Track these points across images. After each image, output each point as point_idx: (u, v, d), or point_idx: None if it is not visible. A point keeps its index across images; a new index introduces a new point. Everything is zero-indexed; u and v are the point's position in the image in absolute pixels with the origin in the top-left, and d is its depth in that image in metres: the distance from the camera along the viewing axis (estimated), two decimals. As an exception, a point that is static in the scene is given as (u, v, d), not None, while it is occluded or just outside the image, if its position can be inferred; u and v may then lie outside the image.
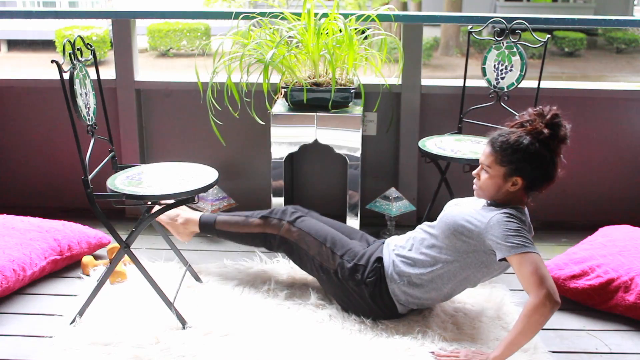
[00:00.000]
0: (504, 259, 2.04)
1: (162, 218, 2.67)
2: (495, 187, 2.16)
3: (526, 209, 2.23)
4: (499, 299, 2.52)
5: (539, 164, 2.11)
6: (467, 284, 2.28)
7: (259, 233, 2.55)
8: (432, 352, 2.13)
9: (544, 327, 2.36)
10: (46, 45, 14.12)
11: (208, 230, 2.67)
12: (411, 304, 2.31)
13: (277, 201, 3.03)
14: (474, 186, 2.24)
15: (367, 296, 2.29)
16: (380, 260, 2.31)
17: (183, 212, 2.70)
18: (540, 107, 2.19)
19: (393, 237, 2.45)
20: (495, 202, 2.21)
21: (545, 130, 2.10)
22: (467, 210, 2.22)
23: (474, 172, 2.24)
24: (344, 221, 2.99)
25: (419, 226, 2.38)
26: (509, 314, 2.42)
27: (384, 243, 2.43)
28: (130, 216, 3.46)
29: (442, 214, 2.29)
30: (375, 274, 2.28)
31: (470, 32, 3.15)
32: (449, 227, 2.19)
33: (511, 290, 2.62)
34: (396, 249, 2.33)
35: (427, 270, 2.23)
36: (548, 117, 2.12)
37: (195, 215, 2.69)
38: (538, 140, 2.10)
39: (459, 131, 3.19)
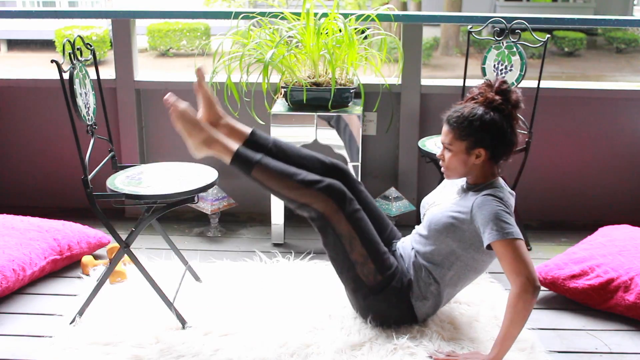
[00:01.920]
0: (490, 247, 2.04)
1: (185, 114, 2.19)
2: (461, 164, 2.16)
3: (501, 180, 2.21)
4: (495, 299, 2.52)
5: (497, 131, 2.11)
6: (476, 274, 2.28)
7: (302, 203, 2.20)
8: (430, 356, 2.12)
9: (544, 327, 2.38)
10: (46, 45, 14.11)
11: (243, 167, 2.21)
12: (427, 315, 2.31)
13: (277, 202, 3.02)
14: (442, 169, 2.24)
15: (394, 317, 2.27)
16: (410, 283, 2.25)
17: (214, 132, 2.23)
18: (487, 79, 2.21)
19: (402, 243, 2.38)
20: (469, 185, 2.21)
21: (497, 97, 2.12)
22: (446, 205, 2.22)
23: (438, 154, 2.24)
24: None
25: (415, 241, 2.32)
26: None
27: (395, 250, 2.37)
28: (130, 216, 3.46)
29: (425, 220, 2.27)
30: (407, 298, 2.25)
31: (470, 32, 3.15)
32: (440, 232, 2.18)
33: (507, 289, 2.61)
34: (413, 265, 2.27)
35: (441, 280, 2.23)
36: (496, 85, 2.15)
37: (232, 144, 2.23)
38: (492, 108, 2.12)
39: (459, 131, 3.18)
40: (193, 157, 2.28)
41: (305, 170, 2.23)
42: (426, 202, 2.37)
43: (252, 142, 2.33)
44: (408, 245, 2.34)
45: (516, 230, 2.02)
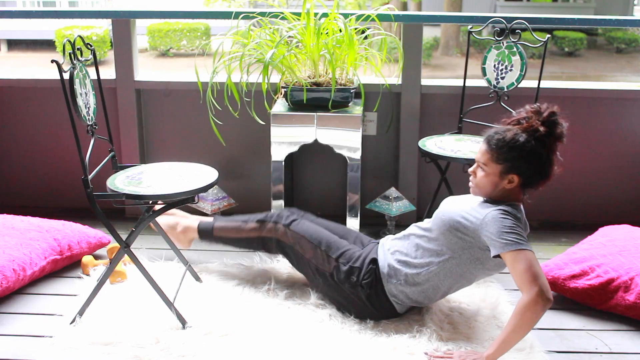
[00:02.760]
0: (498, 256, 2.05)
1: (162, 224, 2.68)
2: (491, 185, 2.17)
3: (522, 206, 2.23)
4: (494, 299, 2.52)
5: (535, 162, 2.11)
6: (464, 282, 2.28)
7: (256, 237, 2.57)
8: (426, 353, 2.13)
9: (544, 327, 2.38)
10: (46, 45, 14.12)
11: (207, 237, 2.68)
12: (409, 302, 2.31)
13: (277, 202, 3.03)
14: (470, 184, 2.25)
15: (364, 298, 2.29)
16: (375, 261, 2.31)
17: (182, 220, 2.71)
18: (538, 104, 2.18)
19: (387, 237, 2.45)
20: (492, 199, 2.20)
21: (542, 128, 2.10)
22: (463, 206, 2.22)
23: (470, 169, 2.25)
24: (344, 221, 2.99)
25: (413, 225, 2.38)
26: (504, 314, 2.42)
27: (378, 243, 2.43)
28: (130, 216, 3.46)
29: (438, 210, 2.29)
30: (371, 275, 2.28)
31: (470, 32, 3.15)
32: (444, 224, 2.19)
33: (506, 289, 2.62)
34: (391, 249, 2.33)
35: (424, 269, 2.23)
36: (545, 114, 2.13)
37: (194, 223, 2.69)
38: (534, 138, 2.10)
39: (459, 131, 3.19)
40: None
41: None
42: (449, 199, 2.38)
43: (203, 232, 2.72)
44: (398, 235, 2.38)
45: (527, 243, 2.04)
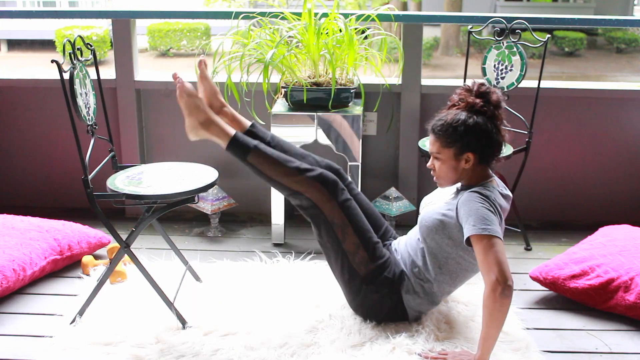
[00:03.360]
0: (468, 242, 2.03)
1: (187, 98, 2.24)
2: (451, 171, 2.17)
3: (495, 181, 2.21)
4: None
5: (482, 134, 2.13)
6: (468, 276, 2.28)
7: (295, 191, 2.22)
8: (419, 354, 2.12)
9: (543, 327, 2.38)
10: (46, 45, 14.11)
11: (239, 153, 2.23)
12: (420, 313, 2.31)
13: (277, 202, 3.03)
14: (435, 179, 2.25)
15: (385, 311, 2.28)
16: (403, 274, 2.26)
17: (213, 115, 2.25)
18: (465, 84, 2.23)
19: (399, 243, 2.39)
20: (463, 186, 2.21)
21: (477, 101, 2.14)
22: (439, 204, 2.23)
23: (428, 164, 2.25)
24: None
25: (412, 231, 2.35)
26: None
27: (390, 245, 2.40)
28: (130, 216, 3.46)
29: (419, 218, 2.28)
30: (398, 290, 2.25)
31: (470, 32, 3.15)
32: (429, 228, 2.19)
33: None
34: (406, 260, 2.28)
35: (434, 278, 2.23)
36: (475, 89, 2.17)
37: (229, 129, 2.25)
38: (474, 112, 2.14)
39: (459, 131, 3.19)
40: (187, 141, 2.31)
41: (299, 160, 2.28)
42: (424, 202, 2.38)
43: (251, 133, 2.38)
44: (403, 243, 2.35)
45: (494, 229, 2.00)
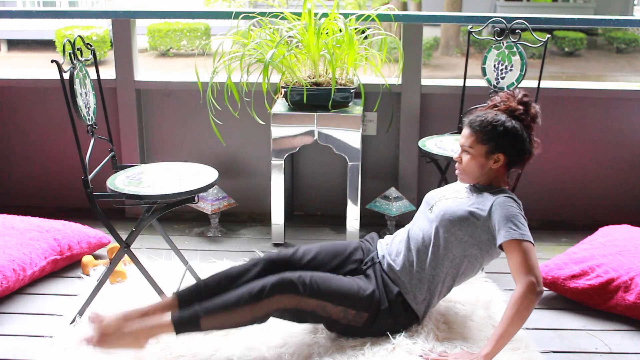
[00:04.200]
0: (501, 245, 2.08)
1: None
2: (478, 167, 2.21)
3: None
4: (488, 298, 2.52)
5: (518, 139, 2.19)
6: (472, 274, 2.29)
7: (264, 315, 2.10)
8: (421, 355, 2.12)
9: (544, 327, 2.38)
10: (46, 45, 14.10)
11: (190, 329, 2.07)
12: (430, 306, 2.30)
13: (277, 201, 3.02)
14: (457, 171, 2.27)
15: (401, 327, 2.25)
16: (400, 294, 2.23)
17: (151, 319, 2.07)
18: (511, 89, 2.30)
19: (390, 244, 2.34)
20: (482, 185, 2.24)
21: (519, 107, 2.21)
22: (464, 200, 2.23)
23: (455, 156, 2.28)
24: (344, 221, 2.99)
25: (399, 239, 2.31)
26: (499, 313, 2.40)
27: (375, 263, 2.31)
28: (130, 216, 3.46)
29: (438, 210, 2.23)
30: (400, 308, 2.23)
31: (470, 32, 3.15)
32: (453, 222, 2.18)
33: (502, 290, 2.61)
34: (404, 272, 2.24)
35: (440, 278, 2.22)
36: (519, 96, 2.24)
37: (163, 318, 2.06)
38: (513, 117, 2.21)
39: (459, 131, 3.18)
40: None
41: (244, 286, 2.11)
42: (432, 196, 2.36)
43: (184, 300, 2.15)
44: (397, 241, 2.32)
45: (530, 235, 2.07)
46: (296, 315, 2.16)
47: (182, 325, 2.04)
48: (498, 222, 2.10)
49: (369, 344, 2.19)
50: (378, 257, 2.33)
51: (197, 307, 2.05)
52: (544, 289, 2.03)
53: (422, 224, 2.28)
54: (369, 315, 2.19)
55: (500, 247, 2.09)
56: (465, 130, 2.24)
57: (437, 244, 2.21)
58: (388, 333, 2.21)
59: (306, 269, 2.22)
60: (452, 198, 2.27)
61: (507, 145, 2.19)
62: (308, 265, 2.27)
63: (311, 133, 2.93)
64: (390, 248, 2.32)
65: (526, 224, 2.11)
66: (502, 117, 2.20)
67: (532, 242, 2.06)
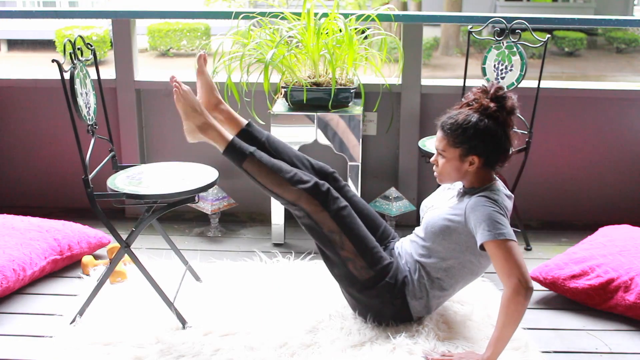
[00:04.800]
0: (482, 247, 2.03)
1: (185, 102, 2.27)
2: (454, 170, 2.16)
3: (498, 183, 2.20)
4: (487, 298, 2.52)
5: (491, 139, 2.10)
6: (473, 277, 2.28)
7: (289, 201, 2.22)
8: (426, 357, 2.12)
9: (543, 327, 2.38)
10: (46, 45, 14.10)
11: (235, 157, 2.26)
12: (425, 313, 2.31)
13: (277, 202, 3.02)
14: (435, 174, 2.23)
15: (389, 314, 2.27)
16: (406, 279, 2.24)
17: (216, 123, 2.28)
18: (483, 84, 2.20)
19: (401, 244, 2.37)
20: (465, 189, 2.20)
21: (492, 105, 2.11)
22: (444, 209, 2.22)
23: (432, 159, 2.24)
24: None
25: (415, 234, 2.34)
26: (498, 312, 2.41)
27: (393, 249, 2.37)
28: (130, 216, 3.46)
29: (423, 222, 2.27)
30: (402, 295, 2.24)
31: (470, 32, 3.15)
32: (436, 234, 2.18)
33: (500, 290, 2.61)
34: (411, 263, 2.27)
35: (441, 281, 2.23)
36: (492, 91, 2.13)
37: (227, 134, 2.27)
38: (486, 116, 2.10)
39: (459, 131, 3.19)
40: (187, 141, 2.32)
41: (295, 169, 2.26)
42: (425, 205, 2.37)
43: (247, 133, 2.41)
44: (407, 245, 2.34)
45: (509, 232, 2.01)
46: (311, 226, 2.23)
47: (233, 149, 2.24)
48: (474, 225, 2.06)
49: (369, 344, 2.19)
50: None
51: (254, 149, 2.25)
52: (533, 287, 1.96)
53: (419, 234, 2.30)
54: (374, 275, 2.19)
55: (482, 248, 2.04)
56: (438, 133, 2.18)
57: (431, 255, 2.22)
58: (388, 334, 2.21)
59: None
60: (437, 207, 2.26)
61: (480, 147, 2.10)
62: (350, 200, 2.38)
63: (311, 133, 2.93)
64: (401, 251, 2.34)
65: (505, 220, 2.04)
66: (474, 117, 2.10)
67: (511, 238, 1.99)
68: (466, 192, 2.20)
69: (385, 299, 2.24)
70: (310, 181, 2.20)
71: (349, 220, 2.22)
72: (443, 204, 2.27)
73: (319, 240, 2.25)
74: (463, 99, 2.21)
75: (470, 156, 2.12)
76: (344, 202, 2.24)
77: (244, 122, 2.43)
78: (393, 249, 2.37)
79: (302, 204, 2.20)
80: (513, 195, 2.25)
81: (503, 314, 1.97)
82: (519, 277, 1.94)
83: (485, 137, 2.10)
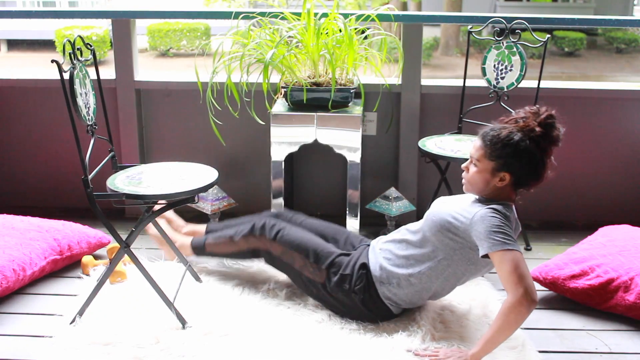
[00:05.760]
0: (486, 256, 2.04)
1: (155, 235, 2.76)
2: (483, 182, 2.16)
3: (514, 206, 2.22)
4: (484, 298, 2.52)
5: (528, 162, 2.11)
6: (456, 282, 2.28)
7: (247, 250, 2.58)
8: (417, 354, 2.12)
9: (543, 327, 2.38)
10: (46, 45, 14.10)
11: (200, 253, 2.71)
12: (403, 304, 2.31)
13: (277, 201, 3.03)
14: (463, 180, 2.24)
15: (359, 303, 2.29)
16: (365, 266, 2.29)
17: (180, 238, 2.76)
18: (537, 106, 2.18)
19: (378, 239, 2.43)
20: (483, 198, 2.20)
21: (537, 129, 2.10)
22: (453, 206, 2.22)
23: (463, 165, 2.24)
24: (344, 221, 2.99)
25: (404, 228, 2.37)
26: (495, 312, 2.41)
27: (369, 245, 2.42)
28: (130, 216, 3.46)
29: (429, 211, 2.28)
30: (362, 280, 2.27)
31: (470, 32, 3.15)
32: (435, 224, 2.19)
33: (499, 290, 2.61)
34: (383, 252, 2.32)
35: (416, 270, 2.23)
36: (542, 116, 2.13)
37: (187, 241, 2.74)
38: (529, 138, 2.10)
39: (459, 131, 3.19)
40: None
41: (243, 225, 2.62)
42: (440, 199, 2.37)
43: (207, 231, 2.80)
44: (390, 237, 2.37)
45: (517, 245, 2.04)
46: (270, 259, 2.53)
47: (195, 247, 2.71)
48: (480, 233, 2.06)
49: (368, 344, 2.19)
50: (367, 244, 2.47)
51: (207, 236, 2.71)
52: (537, 301, 1.97)
53: (408, 230, 2.33)
54: (327, 273, 2.31)
55: (486, 256, 2.05)
56: (477, 142, 2.17)
57: (421, 243, 2.23)
58: (387, 334, 2.21)
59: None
60: (449, 204, 2.27)
61: (515, 166, 2.10)
62: (299, 224, 2.64)
63: (311, 133, 2.93)
64: (384, 245, 2.37)
65: (513, 233, 2.07)
66: (517, 136, 2.09)
67: (519, 249, 2.02)
68: (482, 201, 2.20)
69: (346, 290, 2.28)
70: (246, 227, 2.56)
71: (289, 237, 2.46)
72: (456, 202, 2.26)
73: (280, 266, 2.52)
74: (513, 113, 2.20)
75: (503, 172, 2.12)
76: (281, 225, 2.50)
77: (203, 229, 2.81)
78: (368, 245, 2.44)
79: (254, 245, 2.54)
80: (520, 229, 2.26)
81: (501, 320, 1.98)
82: (526, 288, 1.95)
83: (523, 158, 2.10)
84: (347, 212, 3.01)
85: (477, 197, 2.23)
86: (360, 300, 2.28)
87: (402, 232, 2.35)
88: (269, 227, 2.50)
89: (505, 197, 2.18)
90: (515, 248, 2.01)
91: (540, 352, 2.22)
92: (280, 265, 2.50)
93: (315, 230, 2.57)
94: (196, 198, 2.36)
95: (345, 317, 2.36)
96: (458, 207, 2.20)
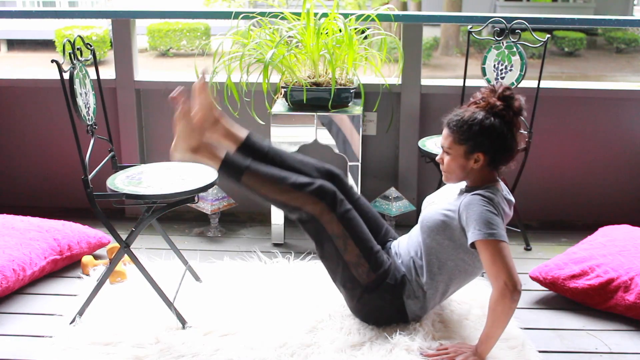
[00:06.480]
0: (473, 245, 2.04)
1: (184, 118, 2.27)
2: (459, 168, 2.15)
3: (500, 184, 2.20)
4: (484, 298, 2.50)
5: (497, 137, 2.10)
6: (470, 277, 2.28)
7: (293, 206, 2.20)
8: (421, 353, 2.13)
9: (543, 327, 2.38)
10: (46, 45, 14.11)
11: (231, 175, 2.20)
12: (420, 313, 2.30)
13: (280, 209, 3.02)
14: (442, 172, 2.23)
15: (387, 315, 2.28)
16: (404, 279, 2.25)
17: (206, 138, 2.26)
18: (492, 84, 2.19)
19: (397, 244, 2.38)
20: (467, 187, 2.20)
21: (498, 103, 2.11)
22: (442, 204, 2.22)
23: (437, 157, 2.24)
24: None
25: (413, 236, 2.34)
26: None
27: (393, 251, 2.37)
28: (130, 216, 3.46)
29: (420, 217, 2.27)
30: (399, 295, 2.24)
31: (470, 32, 3.15)
32: (431, 228, 2.19)
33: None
34: (406, 263, 2.27)
35: (437, 281, 2.22)
36: (499, 91, 2.14)
37: (218, 151, 2.21)
38: (493, 114, 2.11)
39: (459, 131, 3.19)
40: (171, 156, 2.26)
41: (297, 174, 2.24)
42: (427, 201, 2.38)
43: (247, 146, 2.34)
44: (403, 244, 2.34)
45: (500, 233, 2.01)
46: (315, 230, 2.20)
47: (227, 167, 2.17)
48: (466, 223, 2.06)
49: (368, 344, 2.19)
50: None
51: (250, 162, 2.19)
52: (521, 290, 1.96)
53: (416, 232, 2.30)
54: (375, 279, 2.19)
55: (473, 247, 2.04)
56: (444, 130, 2.17)
57: (426, 251, 2.22)
58: (387, 334, 2.21)
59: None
60: (437, 203, 2.26)
61: (485, 144, 2.10)
62: (355, 202, 2.36)
63: (311, 133, 2.93)
64: (398, 250, 2.34)
65: (498, 221, 2.04)
66: (480, 114, 2.10)
67: (502, 239, 1.99)
68: (467, 191, 2.20)
69: (386, 301, 2.24)
70: (314, 183, 2.18)
71: (354, 224, 2.20)
72: (443, 200, 2.27)
73: (323, 243, 2.22)
74: (471, 98, 2.21)
75: (476, 153, 2.12)
76: (349, 205, 2.22)
77: (243, 135, 2.35)
78: (390, 248, 2.37)
79: (308, 207, 2.17)
80: (514, 201, 2.24)
81: (491, 315, 2.00)
82: (505, 280, 1.95)
83: (491, 134, 2.10)
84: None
85: (462, 187, 2.23)
86: (389, 311, 2.26)
87: (413, 237, 2.31)
88: (339, 200, 2.19)
89: (488, 180, 2.17)
90: (496, 237, 1.99)
91: (540, 352, 2.22)
92: (324, 243, 2.21)
93: (365, 215, 2.35)
94: (196, 198, 2.36)
95: (356, 315, 2.33)
96: (445, 204, 2.20)
